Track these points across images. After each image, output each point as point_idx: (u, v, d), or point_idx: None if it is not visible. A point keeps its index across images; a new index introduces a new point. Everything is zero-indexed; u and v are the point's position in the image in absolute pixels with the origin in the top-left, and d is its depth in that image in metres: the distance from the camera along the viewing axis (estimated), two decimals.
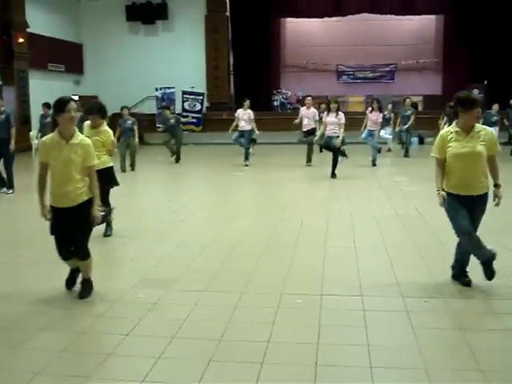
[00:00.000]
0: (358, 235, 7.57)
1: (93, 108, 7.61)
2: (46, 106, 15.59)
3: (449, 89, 23.61)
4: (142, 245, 7.44)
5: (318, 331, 4.49)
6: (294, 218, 8.64)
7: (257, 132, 15.46)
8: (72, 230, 5.23)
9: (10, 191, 11.48)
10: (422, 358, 4.03)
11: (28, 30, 20.57)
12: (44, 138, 5.28)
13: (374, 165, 14.65)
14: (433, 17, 26.19)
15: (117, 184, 7.79)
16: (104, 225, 7.50)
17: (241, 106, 15.47)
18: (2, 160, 11.52)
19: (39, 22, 21.42)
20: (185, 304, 5.12)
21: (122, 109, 15.22)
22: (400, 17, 25.51)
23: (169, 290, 5.55)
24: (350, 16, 25.20)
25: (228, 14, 24.65)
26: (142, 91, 23.43)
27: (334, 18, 25.61)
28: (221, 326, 4.59)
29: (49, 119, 14.84)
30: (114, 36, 25.08)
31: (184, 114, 23.52)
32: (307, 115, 14.95)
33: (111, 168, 7.61)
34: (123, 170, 14.18)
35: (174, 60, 24.37)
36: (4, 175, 11.49)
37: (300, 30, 26.87)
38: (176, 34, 24.82)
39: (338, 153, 12.77)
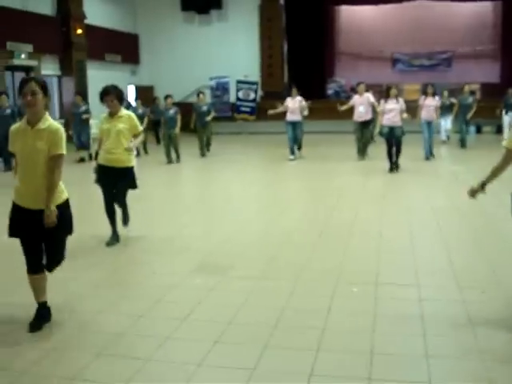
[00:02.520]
0: (415, 225, 7.49)
1: (108, 89, 6.68)
2: (80, 94, 15.68)
3: (507, 76, 22.96)
4: (198, 232, 7.55)
5: (374, 320, 4.47)
6: (348, 208, 8.60)
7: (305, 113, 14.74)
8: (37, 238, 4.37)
9: None
10: (478, 348, 3.98)
11: (86, 21, 20.99)
12: (13, 126, 4.55)
13: (428, 158, 13.68)
14: (489, 2, 25.45)
15: (135, 187, 6.94)
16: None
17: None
18: None
19: (96, 13, 21.83)
20: (241, 290, 5.18)
21: (165, 98, 15.00)
22: (456, 2, 24.92)
23: (225, 276, 5.63)
24: (405, 2, 24.76)
25: (282, 2, 24.57)
26: (196, 81, 23.59)
27: (389, 5, 25.21)
28: (276, 313, 4.62)
29: (83, 108, 15.02)
30: (169, 26, 25.34)
31: (238, 103, 23.67)
32: (361, 103, 13.71)
33: (132, 168, 6.80)
34: (169, 161, 14.14)
35: (228, 49, 24.45)
36: None
37: (355, 16, 26.55)
38: (230, 23, 24.90)
39: (400, 144, 11.87)
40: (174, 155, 14.35)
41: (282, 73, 24.96)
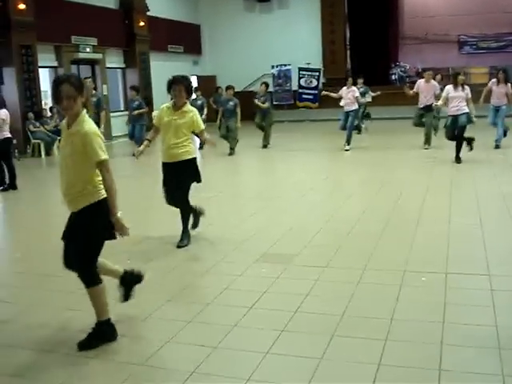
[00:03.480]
0: (484, 213, 7.27)
1: (177, 78, 6.29)
2: (134, 89, 15.44)
3: None
4: (263, 220, 7.57)
5: (444, 310, 4.36)
6: (414, 196, 8.43)
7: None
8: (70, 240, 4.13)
9: None
10: None
11: (148, 13, 21.28)
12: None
13: (498, 146, 12.76)
14: None
15: (199, 180, 6.59)
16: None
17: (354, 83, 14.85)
18: None
19: (158, 5, 22.11)
20: (306, 279, 5.15)
21: (227, 88, 14.80)
22: None
23: (290, 264, 5.62)
24: None
25: None
26: (258, 69, 23.64)
27: None
28: (343, 302, 4.58)
29: (136, 103, 14.92)
30: (230, 15, 25.41)
31: (300, 90, 23.55)
32: (426, 89, 13.24)
33: (195, 160, 6.48)
34: (230, 153, 14.04)
35: (290, 37, 24.33)
36: None
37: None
38: (291, 10, 24.76)
39: (463, 133, 11.12)
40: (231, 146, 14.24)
41: (345, 59, 24.68)
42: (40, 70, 16.48)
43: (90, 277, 4.04)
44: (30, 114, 15.65)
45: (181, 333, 4.21)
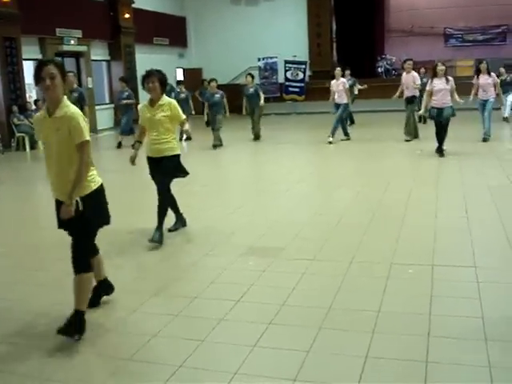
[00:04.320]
0: (471, 205, 7.29)
1: (149, 71, 6.26)
2: (123, 80, 15.38)
3: None
4: (249, 213, 7.56)
5: (430, 302, 4.37)
6: (400, 189, 8.44)
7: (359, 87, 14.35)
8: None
9: None
10: None
11: (133, 5, 21.15)
12: (35, 115, 4.30)
13: (485, 139, 12.60)
14: None
15: (184, 174, 6.59)
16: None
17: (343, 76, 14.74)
18: None
19: None
20: (293, 272, 5.15)
21: (209, 81, 14.66)
22: None
23: (277, 258, 5.61)
24: None
25: None
26: (244, 62, 23.55)
27: None
28: (330, 295, 4.58)
29: (126, 94, 14.94)
30: (216, 7, 25.31)
31: (287, 83, 23.51)
32: (406, 81, 13.30)
33: (178, 157, 6.41)
34: (215, 146, 13.85)
35: (276, 29, 24.28)
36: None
37: None
38: (277, 2, 24.70)
39: (447, 126, 11.00)
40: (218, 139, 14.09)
41: (331, 52, 24.68)
42: (24, 62, 16.31)
43: (84, 264, 4.08)
44: (15, 107, 15.50)
45: (167, 327, 4.19)
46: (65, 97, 3.97)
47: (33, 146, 15.35)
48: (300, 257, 5.59)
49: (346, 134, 14.19)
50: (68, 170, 3.94)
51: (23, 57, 16.17)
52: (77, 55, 19.07)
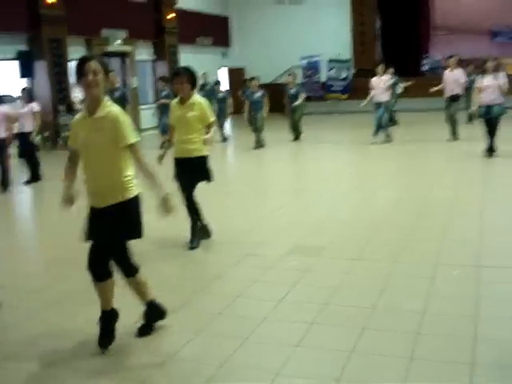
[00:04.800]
0: None
1: (178, 70, 6.05)
2: (163, 80, 14.90)
3: None
4: (292, 213, 7.55)
5: (477, 303, 4.30)
6: (445, 189, 8.31)
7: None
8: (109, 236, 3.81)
9: None
10: None
11: (177, 5, 21.31)
12: (74, 117, 4.01)
13: None
14: None
15: (210, 178, 6.14)
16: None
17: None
18: None
19: None
20: (336, 271, 5.12)
21: (250, 80, 14.50)
22: None
23: (321, 257, 5.59)
24: None
25: None
26: (287, 61, 23.47)
27: None
28: (374, 295, 4.53)
29: (164, 93, 14.37)
30: (259, 6, 25.30)
31: (329, 82, 23.38)
32: (450, 78, 12.85)
33: (206, 158, 6.07)
34: (257, 146, 13.78)
35: (319, 28, 24.15)
36: None
37: None
38: (321, 0, 24.53)
39: (496, 125, 10.51)
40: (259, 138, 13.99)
41: (375, 50, 24.41)
42: (70, 63, 16.60)
43: (129, 267, 3.95)
44: (61, 107, 15.80)
45: (211, 324, 4.21)
46: (106, 97, 3.78)
47: None
48: (343, 256, 5.56)
49: (388, 135, 13.66)
50: (111, 174, 3.71)
51: (69, 57, 16.45)
52: (122, 55, 19.32)
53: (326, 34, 23.97)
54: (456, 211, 7.05)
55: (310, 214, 7.37)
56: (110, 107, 3.72)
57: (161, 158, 6.10)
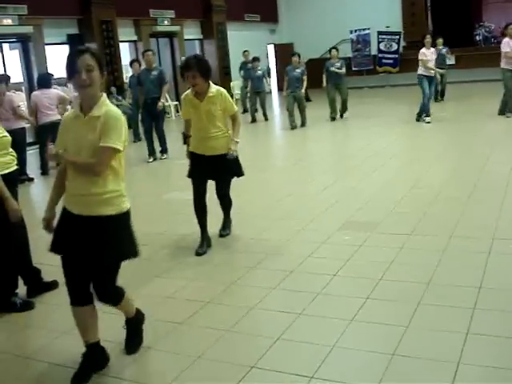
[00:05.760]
0: None
1: (188, 62, 5.23)
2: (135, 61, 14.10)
3: None
4: (344, 188, 7.52)
5: None
6: (501, 163, 8.10)
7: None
8: (84, 255, 3.26)
9: (164, 156, 10.87)
10: None
11: None
12: (65, 114, 3.60)
13: None
14: None
15: (241, 174, 5.67)
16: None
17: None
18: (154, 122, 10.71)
19: None
20: (391, 246, 5.09)
21: (292, 55, 14.01)
22: None
23: (374, 232, 5.56)
24: None
25: None
26: (336, 35, 23.15)
27: None
28: (429, 270, 4.50)
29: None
30: None
31: (380, 55, 22.98)
32: (511, 47, 11.78)
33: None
34: (293, 127, 13.35)
35: (368, 0, 23.71)
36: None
37: None
38: None
39: None
40: (298, 119, 13.59)
41: (426, 21, 23.82)
42: (121, 44, 16.80)
43: (118, 292, 3.52)
44: (113, 89, 16.01)
45: (266, 299, 4.26)
46: (104, 94, 3.32)
47: (130, 126, 15.79)
48: (397, 231, 5.51)
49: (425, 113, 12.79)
50: (95, 180, 3.21)
51: (119, 39, 16.64)
52: (170, 35, 19.42)
53: (375, 6, 23.52)
54: None
55: (363, 190, 7.31)
56: (108, 106, 3.26)
57: (188, 153, 5.61)
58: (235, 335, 3.76)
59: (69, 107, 10.87)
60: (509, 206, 6.03)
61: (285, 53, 22.73)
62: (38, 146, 11.22)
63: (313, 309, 4.04)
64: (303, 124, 13.64)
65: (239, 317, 3.99)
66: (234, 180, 5.69)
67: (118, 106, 14.95)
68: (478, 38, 23.50)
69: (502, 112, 12.25)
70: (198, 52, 21.04)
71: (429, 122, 12.47)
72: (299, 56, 13.96)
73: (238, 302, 4.29)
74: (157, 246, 5.69)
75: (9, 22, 13.31)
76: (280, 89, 20.10)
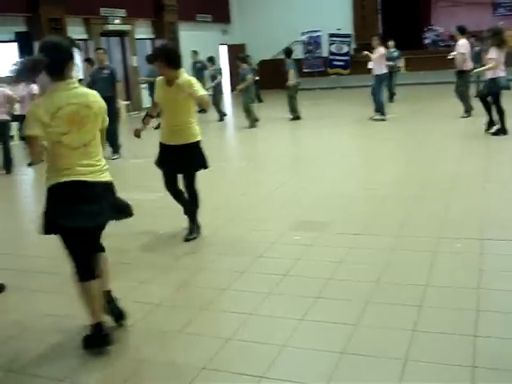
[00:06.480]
0: None
1: (155, 52, 5.48)
2: (147, 58, 14.63)
3: None
4: (295, 189, 7.57)
5: (479, 276, 4.32)
6: (448, 162, 8.32)
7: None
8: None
9: (115, 156, 10.54)
10: None
11: None
12: None
13: None
14: None
15: (205, 166, 5.61)
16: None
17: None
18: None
19: None
20: (340, 246, 5.15)
21: (242, 60, 14.22)
22: None
23: (324, 232, 5.62)
24: None
25: None
26: (288, 36, 23.31)
27: None
28: (377, 269, 4.57)
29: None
30: None
31: (331, 57, 23.24)
32: (469, 49, 12.26)
33: (199, 143, 5.55)
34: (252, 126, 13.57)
35: (320, 2, 23.93)
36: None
37: None
38: None
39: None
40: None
41: (376, 24, 24.20)
42: None
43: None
44: None
45: (217, 300, 4.26)
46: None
47: None
48: (347, 231, 5.59)
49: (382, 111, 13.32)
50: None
51: None
52: (121, 34, 19.20)
53: (326, 8, 23.76)
54: (458, 185, 7.06)
55: (313, 190, 7.38)
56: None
57: (139, 132, 5.68)
58: (186, 337, 3.75)
59: (17, 106, 10.65)
60: (454, 206, 6.18)
61: (237, 53, 22.77)
62: None
63: (263, 309, 4.06)
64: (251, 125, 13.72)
65: (189, 318, 3.97)
66: None
67: None
68: (426, 41, 24.01)
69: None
70: (149, 52, 20.87)
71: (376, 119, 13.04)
72: (242, 59, 14.20)
73: (188, 303, 4.27)
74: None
75: None
76: (233, 89, 20.17)
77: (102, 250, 3.81)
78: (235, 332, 3.73)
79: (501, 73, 10.04)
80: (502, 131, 10.13)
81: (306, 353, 3.46)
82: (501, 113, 10.10)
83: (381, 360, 3.30)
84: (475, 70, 11.39)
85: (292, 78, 14.18)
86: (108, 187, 3.62)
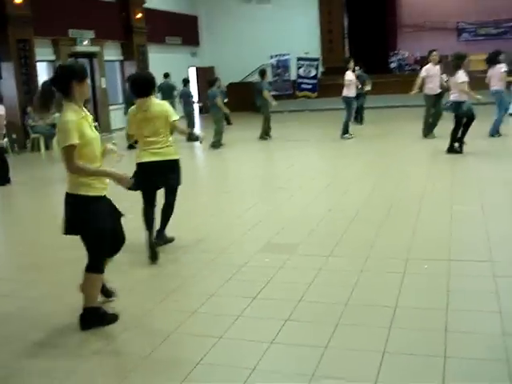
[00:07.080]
0: (486, 199, 7.27)
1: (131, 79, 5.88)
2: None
3: None
4: (264, 211, 7.56)
5: (447, 297, 4.36)
6: (415, 184, 8.42)
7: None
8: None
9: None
10: None
11: (145, 5, 21.18)
12: None
13: (493, 135, 12.16)
14: None
15: (179, 183, 5.95)
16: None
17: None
18: None
19: None
20: (310, 268, 5.16)
21: (211, 82, 14.34)
22: None
23: (293, 254, 5.62)
24: None
25: None
26: (257, 60, 23.52)
27: None
28: (347, 291, 4.58)
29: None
30: (227, 5, 25.33)
31: (299, 80, 23.47)
32: (436, 73, 12.52)
33: (177, 162, 5.86)
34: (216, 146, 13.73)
35: (288, 26, 24.25)
36: None
37: None
38: (289, 0, 24.64)
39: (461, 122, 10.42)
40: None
41: (343, 48, 24.60)
42: (38, 64, 16.40)
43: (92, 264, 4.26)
44: (29, 109, 15.58)
45: (185, 323, 4.21)
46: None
47: (47, 147, 15.40)
48: (316, 253, 5.60)
49: (345, 131, 13.83)
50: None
51: (37, 58, 16.25)
52: (90, 56, 19.13)
53: (294, 32, 24.07)
54: (425, 206, 7.13)
55: (283, 212, 7.41)
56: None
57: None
58: (153, 362, 3.69)
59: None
60: (421, 228, 6.25)
61: (206, 76, 22.88)
62: None
63: (233, 332, 4.03)
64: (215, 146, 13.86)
65: (156, 344, 3.92)
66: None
67: (32, 126, 14.69)
68: (392, 65, 24.45)
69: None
70: (118, 73, 20.85)
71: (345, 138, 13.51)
72: (209, 82, 14.40)
73: (157, 327, 4.22)
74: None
75: None
76: (201, 111, 20.23)
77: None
78: (205, 355, 3.69)
79: (466, 97, 10.31)
80: (450, 150, 10.57)
81: (276, 377, 3.44)
82: (455, 134, 10.50)
83: (351, 383, 3.29)
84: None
85: (270, 99, 14.40)
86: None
